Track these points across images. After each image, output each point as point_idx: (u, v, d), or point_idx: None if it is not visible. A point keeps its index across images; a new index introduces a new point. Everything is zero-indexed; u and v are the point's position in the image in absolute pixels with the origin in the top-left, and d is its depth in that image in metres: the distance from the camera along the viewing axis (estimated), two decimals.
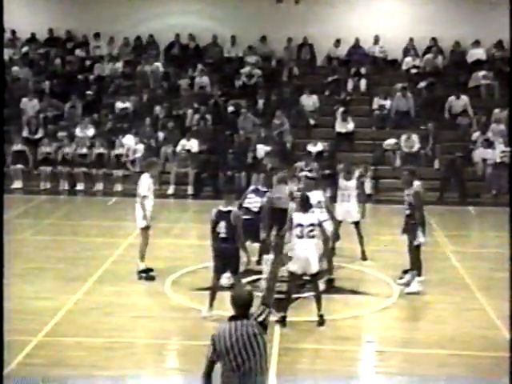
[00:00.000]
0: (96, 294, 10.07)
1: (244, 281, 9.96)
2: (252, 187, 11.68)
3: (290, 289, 9.06)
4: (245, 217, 10.08)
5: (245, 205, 11.00)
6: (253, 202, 11.07)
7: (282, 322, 8.82)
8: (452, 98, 19.78)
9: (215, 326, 8.71)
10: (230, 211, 8.90)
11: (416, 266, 10.28)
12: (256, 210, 10.97)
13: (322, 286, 10.20)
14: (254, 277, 10.45)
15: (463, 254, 12.66)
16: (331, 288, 10.40)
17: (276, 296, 9.55)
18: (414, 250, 10.26)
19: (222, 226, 8.85)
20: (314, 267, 8.89)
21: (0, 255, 5.08)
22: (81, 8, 22.17)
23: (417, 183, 10.47)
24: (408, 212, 10.26)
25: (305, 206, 9.07)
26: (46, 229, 14.23)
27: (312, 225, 8.83)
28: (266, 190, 11.29)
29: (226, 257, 8.90)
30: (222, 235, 8.86)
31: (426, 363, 8.03)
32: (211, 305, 9.05)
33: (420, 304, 9.96)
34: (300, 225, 8.82)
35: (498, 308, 9.38)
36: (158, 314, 9.40)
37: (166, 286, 10.44)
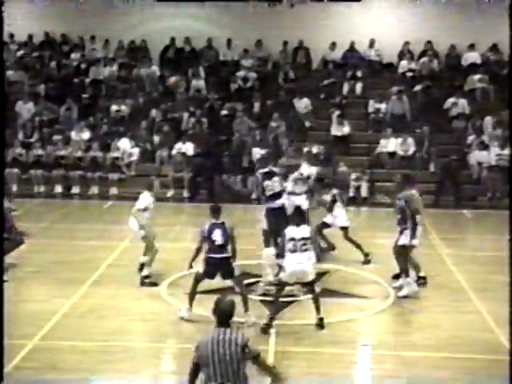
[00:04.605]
0: (92, 298, 10.06)
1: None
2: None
3: (277, 296, 9.03)
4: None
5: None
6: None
7: (267, 329, 8.72)
8: (451, 100, 19.82)
9: (212, 327, 8.73)
10: (223, 222, 9.12)
11: (403, 268, 10.27)
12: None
13: (317, 288, 10.22)
14: (252, 280, 10.47)
15: (459, 257, 12.67)
16: (326, 291, 10.41)
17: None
18: (399, 252, 10.25)
19: (217, 234, 8.98)
20: (310, 277, 8.90)
21: (0, 256, 5.06)
22: (76, 11, 22.10)
23: (412, 191, 10.40)
24: (398, 217, 10.24)
25: (298, 219, 9.10)
26: (41, 232, 14.19)
27: (304, 238, 8.81)
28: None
29: (220, 264, 9.00)
30: (218, 243, 8.97)
31: (421, 366, 8.05)
32: (191, 305, 9.13)
33: (415, 307, 9.97)
34: (292, 239, 8.79)
35: (494, 311, 9.41)
36: (154, 317, 9.39)
37: (162, 290, 10.43)
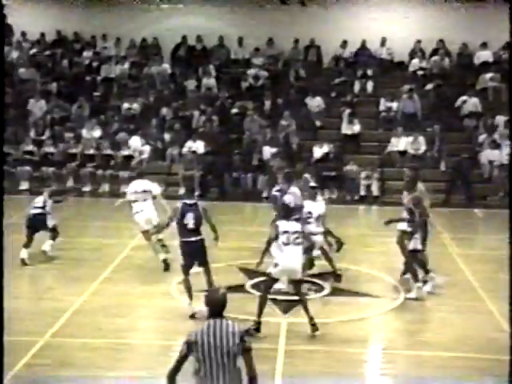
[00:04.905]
0: (102, 295, 10.09)
1: (250, 283, 10.00)
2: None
3: (265, 291, 8.84)
4: None
5: None
6: None
7: (257, 328, 8.55)
8: (464, 98, 19.74)
9: None
10: (196, 203, 9.19)
11: (413, 273, 10.15)
12: None
13: (327, 287, 10.22)
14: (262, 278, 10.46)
15: (470, 256, 12.63)
16: (336, 289, 10.40)
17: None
18: (409, 257, 10.14)
19: (189, 218, 9.06)
20: (299, 274, 8.79)
21: (0, 255, 5.09)
22: (88, 10, 22.24)
23: (420, 186, 10.36)
24: (407, 218, 10.14)
25: (287, 213, 8.98)
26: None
27: (297, 232, 8.72)
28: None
29: (193, 249, 9.07)
30: (190, 226, 9.05)
31: (432, 365, 8.02)
32: (191, 298, 9.18)
33: (426, 306, 9.94)
34: (286, 232, 8.70)
35: (505, 310, 9.32)
36: (164, 315, 9.40)
37: (172, 287, 10.45)
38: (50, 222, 11.88)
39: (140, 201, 11.50)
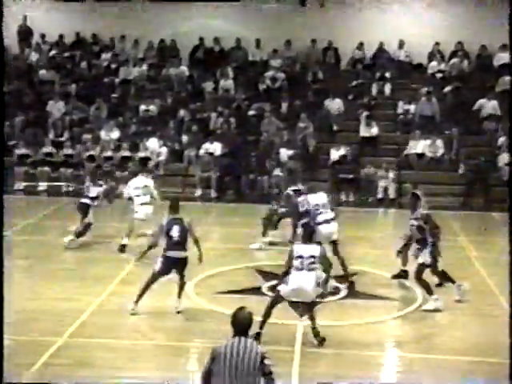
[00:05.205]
0: (120, 296, 10.13)
1: (267, 285, 10.01)
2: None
3: (269, 308, 8.48)
4: None
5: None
6: None
7: (257, 338, 8.06)
8: (483, 101, 19.63)
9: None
10: (181, 218, 9.41)
11: (425, 286, 9.92)
12: None
13: (343, 291, 10.17)
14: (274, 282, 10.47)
15: (487, 259, 12.55)
16: (353, 292, 10.39)
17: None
18: (420, 270, 9.92)
19: (175, 230, 9.23)
20: (310, 297, 8.42)
21: (0, 255, 5.15)
22: (106, 12, 22.37)
23: (422, 205, 10.18)
24: (417, 236, 9.95)
25: (308, 237, 8.84)
26: (69, 230, 14.36)
27: (313, 257, 8.43)
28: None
29: (174, 265, 9.21)
30: (175, 239, 9.20)
31: (448, 370, 7.99)
32: (137, 301, 9.29)
33: (443, 309, 9.89)
34: (300, 256, 8.43)
35: None
36: (181, 316, 9.44)
37: (189, 289, 10.47)
38: (89, 218, 12.57)
39: (141, 195, 12.62)
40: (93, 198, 12.81)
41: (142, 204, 12.60)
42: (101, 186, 13.08)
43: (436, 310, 9.79)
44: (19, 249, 12.19)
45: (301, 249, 8.54)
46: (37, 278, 10.82)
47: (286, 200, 12.36)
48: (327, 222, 10.60)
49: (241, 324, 5.35)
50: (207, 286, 10.56)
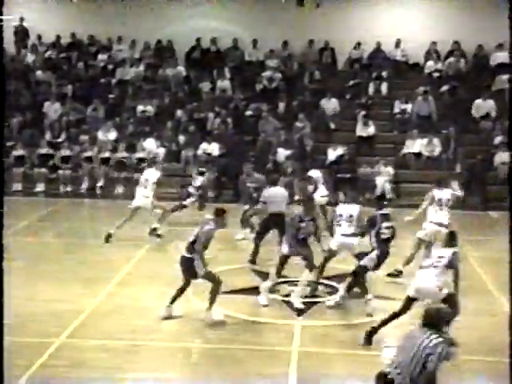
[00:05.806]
0: (117, 297, 10.13)
1: (269, 284, 10.00)
2: None
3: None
4: None
5: None
6: None
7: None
8: (479, 101, 19.65)
9: (237, 328, 8.75)
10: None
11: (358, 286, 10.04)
12: None
13: (341, 292, 10.14)
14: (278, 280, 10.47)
15: (485, 258, 12.57)
16: (351, 292, 10.37)
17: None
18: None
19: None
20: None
21: (0, 255, 5.14)
22: (103, 12, 22.36)
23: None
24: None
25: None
26: (67, 232, 14.35)
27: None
28: None
29: (181, 263, 9.14)
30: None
31: (448, 369, 7.96)
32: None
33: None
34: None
35: None
36: (180, 316, 9.42)
37: (189, 289, 10.45)
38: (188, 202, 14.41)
39: (142, 187, 13.56)
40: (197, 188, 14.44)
41: (142, 195, 13.54)
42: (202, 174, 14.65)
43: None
44: (17, 250, 12.16)
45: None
46: (34, 280, 10.80)
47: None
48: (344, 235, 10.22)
49: (427, 316, 5.94)
50: (207, 286, 10.51)
